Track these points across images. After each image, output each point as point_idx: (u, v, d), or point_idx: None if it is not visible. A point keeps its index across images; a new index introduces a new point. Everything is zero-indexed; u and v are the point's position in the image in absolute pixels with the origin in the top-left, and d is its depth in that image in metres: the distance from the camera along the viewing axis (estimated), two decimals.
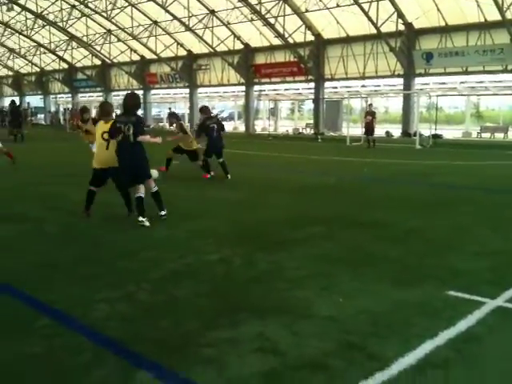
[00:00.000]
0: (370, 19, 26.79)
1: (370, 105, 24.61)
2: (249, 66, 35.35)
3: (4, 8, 39.01)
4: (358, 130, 27.02)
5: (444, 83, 32.78)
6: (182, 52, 38.62)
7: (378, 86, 34.97)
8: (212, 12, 33.08)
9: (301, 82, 34.50)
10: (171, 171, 12.00)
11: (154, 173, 11.44)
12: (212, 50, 35.68)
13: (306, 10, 29.51)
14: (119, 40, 40.53)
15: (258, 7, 30.14)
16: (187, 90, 40.66)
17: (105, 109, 7.86)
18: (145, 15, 36.18)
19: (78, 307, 4.19)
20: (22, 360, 3.35)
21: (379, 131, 27.27)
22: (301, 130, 36.34)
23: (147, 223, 6.97)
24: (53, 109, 52.72)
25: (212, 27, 33.94)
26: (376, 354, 3.39)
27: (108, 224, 7.29)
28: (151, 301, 4.37)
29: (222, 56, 35.66)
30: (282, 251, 5.80)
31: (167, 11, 33.93)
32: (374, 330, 3.76)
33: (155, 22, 36.50)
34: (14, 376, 3.17)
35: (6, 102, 49.30)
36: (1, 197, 9.51)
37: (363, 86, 35.08)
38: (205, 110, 12.33)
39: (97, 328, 3.80)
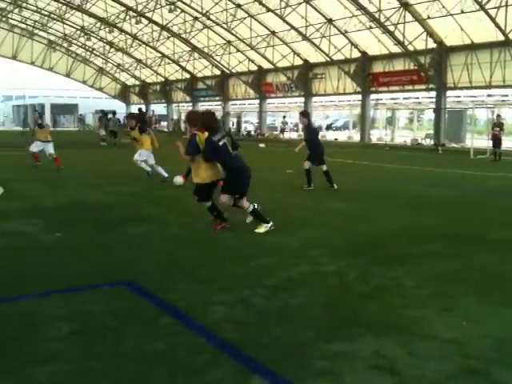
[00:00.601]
0: (497, 25, 25.27)
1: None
2: (366, 74, 34.79)
3: (133, 21, 41.94)
4: (482, 142, 25.47)
5: None
6: (299, 61, 38.96)
7: (506, 95, 32.72)
8: (329, 21, 33.04)
9: (420, 90, 33.31)
10: (287, 180, 12.05)
11: (178, 180, 11.42)
12: (328, 59, 35.62)
13: (428, 17, 28.46)
14: (238, 50, 41.84)
15: (377, 15, 29.63)
16: (302, 99, 40.93)
17: (195, 118, 7.56)
18: (263, 26, 37.02)
19: (196, 308, 4.35)
20: (147, 355, 3.52)
21: (507, 144, 25.53)
22: (420, 141, 35.02)
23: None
24: (175, 117, 55.61)
25: (329, 36, 33.91)
26: (501, 381, 3.17)
27: (225, 228, 7.48)
28: (266, 307, 4.42)
29: (339, 65, 35.47)
30: (399, 266, 5.61)
31: (285, 21, 34.43)
32: (499, 357, 3.51)
33: (273, 33, 37.20)
34: (138, 370, 3.35)
35: (133, 109, 52.84)
36: (131, 200, 10.18)
37: (489, 95, 33.04)
38: (308, 113, 12.04)
39: (214, 330, 3.92)
